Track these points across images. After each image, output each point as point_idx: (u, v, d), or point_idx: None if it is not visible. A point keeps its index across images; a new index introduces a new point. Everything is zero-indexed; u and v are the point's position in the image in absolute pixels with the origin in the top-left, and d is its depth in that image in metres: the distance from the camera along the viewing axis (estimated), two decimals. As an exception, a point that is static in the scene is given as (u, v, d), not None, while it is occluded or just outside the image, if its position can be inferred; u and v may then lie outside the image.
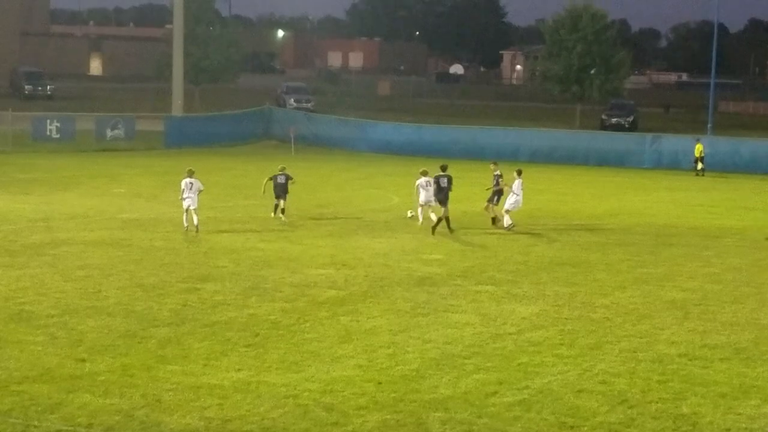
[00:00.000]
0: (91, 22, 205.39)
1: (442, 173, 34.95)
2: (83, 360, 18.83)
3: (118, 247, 29.88)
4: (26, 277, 25.38)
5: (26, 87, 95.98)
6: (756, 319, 23.51)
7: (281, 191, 35.97)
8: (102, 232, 32.26)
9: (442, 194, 34.37)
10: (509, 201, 35.04)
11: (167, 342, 20.15)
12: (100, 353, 19.28)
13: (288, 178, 36.16)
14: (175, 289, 24.61)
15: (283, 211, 35.80)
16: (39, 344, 19.76)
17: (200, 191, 32.95)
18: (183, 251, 29.41)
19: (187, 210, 32.67)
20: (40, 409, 16.40)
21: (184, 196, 32.61)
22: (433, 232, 33.61)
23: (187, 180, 32.87)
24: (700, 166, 57.99)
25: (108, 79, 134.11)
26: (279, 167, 36.63)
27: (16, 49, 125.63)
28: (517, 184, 34.89)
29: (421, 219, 35.19)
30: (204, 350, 19.68)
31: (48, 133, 61.34)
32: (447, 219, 34.07)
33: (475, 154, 58.63)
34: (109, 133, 62.90)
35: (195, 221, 32.50)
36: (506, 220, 35.09)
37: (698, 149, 58.72)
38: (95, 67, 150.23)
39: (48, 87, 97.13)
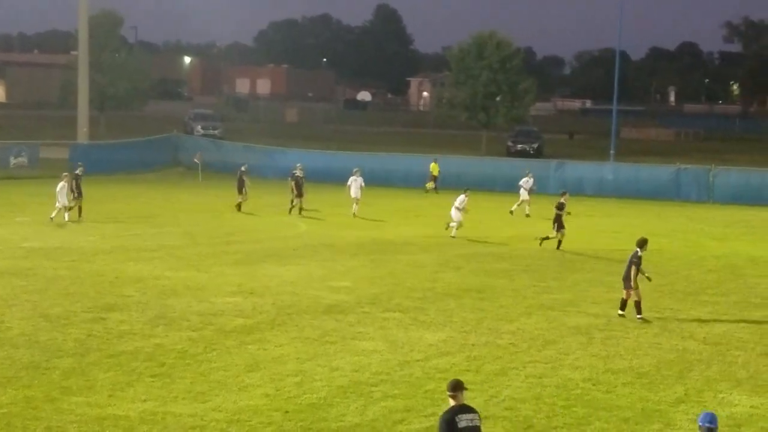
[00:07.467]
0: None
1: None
2: (-15, 392, 18.53)
3: (22, 276, 29.46)
4: (-74, 309, 24.91)
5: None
6: (658, 344, 23.93)
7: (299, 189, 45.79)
8: (5, 262, 31.78)
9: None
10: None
11: (71, 373, 19.91)
12: (2, 385, 18.98)
13: (301, 178, 46.19)
14: (79, 319, 24.33)
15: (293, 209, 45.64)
16: (-61, 377, 19.41)
17: (64, 188, 40.38)
18: (88, 280, 29.08)
19: (59, 209, 40.48)
20: (-60, 443, 16.13)
21: (58, 197, 40.24)
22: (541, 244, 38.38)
23: (60, 183, 40.55)
24: (431, 185, 60.15)
25: (11, 105, 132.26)
26: (298, 165, 47.72)
27: None
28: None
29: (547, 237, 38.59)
30: (109, 381, 19.48)
31: (-51, 161, 60.35)
32: (559, 241, 38.53)
33: (385, 181, 59.66)
34: (12, 160, 61.99)
35: (64, 217, 40.37)
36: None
37: (434, 168, 60.85)
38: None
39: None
